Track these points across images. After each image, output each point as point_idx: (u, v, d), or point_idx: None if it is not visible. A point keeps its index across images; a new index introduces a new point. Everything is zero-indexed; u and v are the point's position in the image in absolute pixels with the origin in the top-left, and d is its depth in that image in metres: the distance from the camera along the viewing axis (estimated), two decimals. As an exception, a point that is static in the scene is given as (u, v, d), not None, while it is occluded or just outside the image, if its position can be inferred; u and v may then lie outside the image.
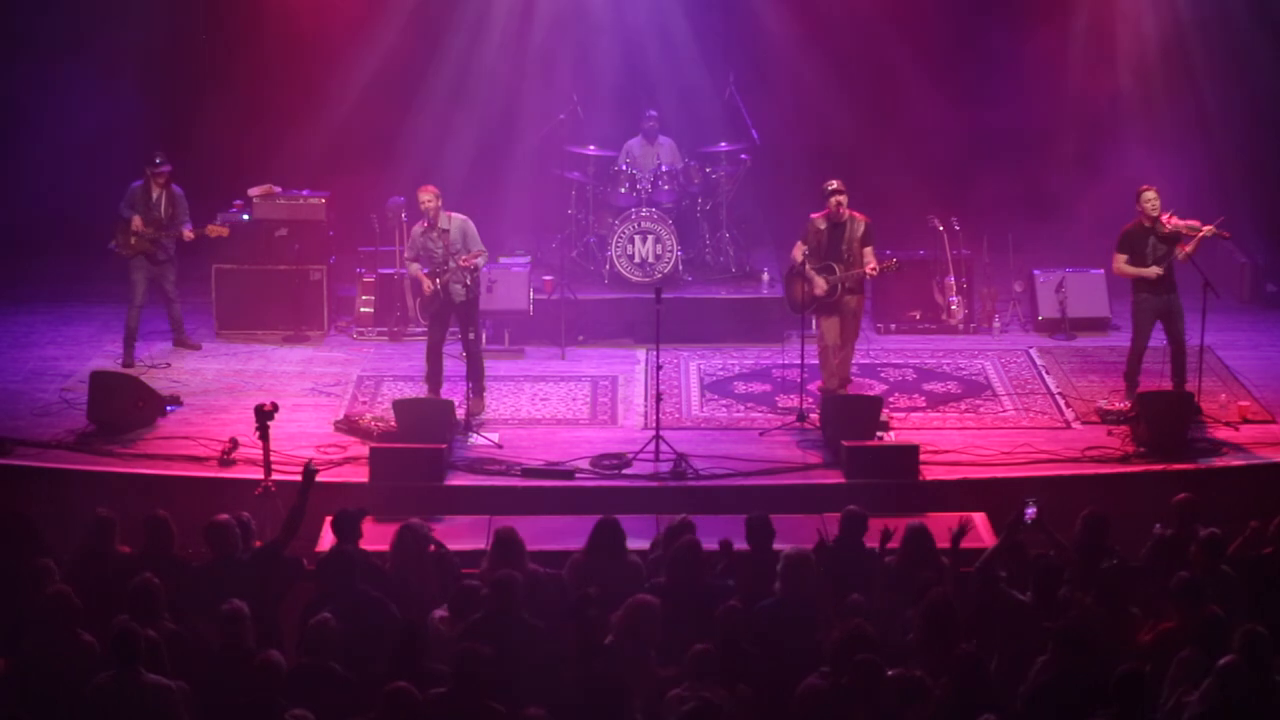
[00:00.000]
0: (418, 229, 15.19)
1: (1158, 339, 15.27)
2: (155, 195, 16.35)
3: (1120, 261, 15.14)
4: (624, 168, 17.91)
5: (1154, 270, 14.91)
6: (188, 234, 16.35)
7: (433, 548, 11.41)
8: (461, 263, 14.93)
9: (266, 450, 13.29)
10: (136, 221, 16.25)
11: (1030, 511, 11.43)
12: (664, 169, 17.87)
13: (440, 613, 10.62)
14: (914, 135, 18.93)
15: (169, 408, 15.32)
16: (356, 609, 10.42)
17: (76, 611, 10.04)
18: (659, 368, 14.91)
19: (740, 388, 16.21)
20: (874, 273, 15.08)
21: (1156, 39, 18.79)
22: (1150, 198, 14.95)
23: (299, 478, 11.56)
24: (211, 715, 9.60)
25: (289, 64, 18.46)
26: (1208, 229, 14.85)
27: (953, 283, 17.54)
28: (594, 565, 11.22)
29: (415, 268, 15.24)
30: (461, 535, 12.69)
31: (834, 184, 15.10)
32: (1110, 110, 18.96)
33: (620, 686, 9.29)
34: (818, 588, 10.66)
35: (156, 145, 16.57)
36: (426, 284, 15.09)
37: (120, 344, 16.72)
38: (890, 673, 9.31)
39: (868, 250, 15.06)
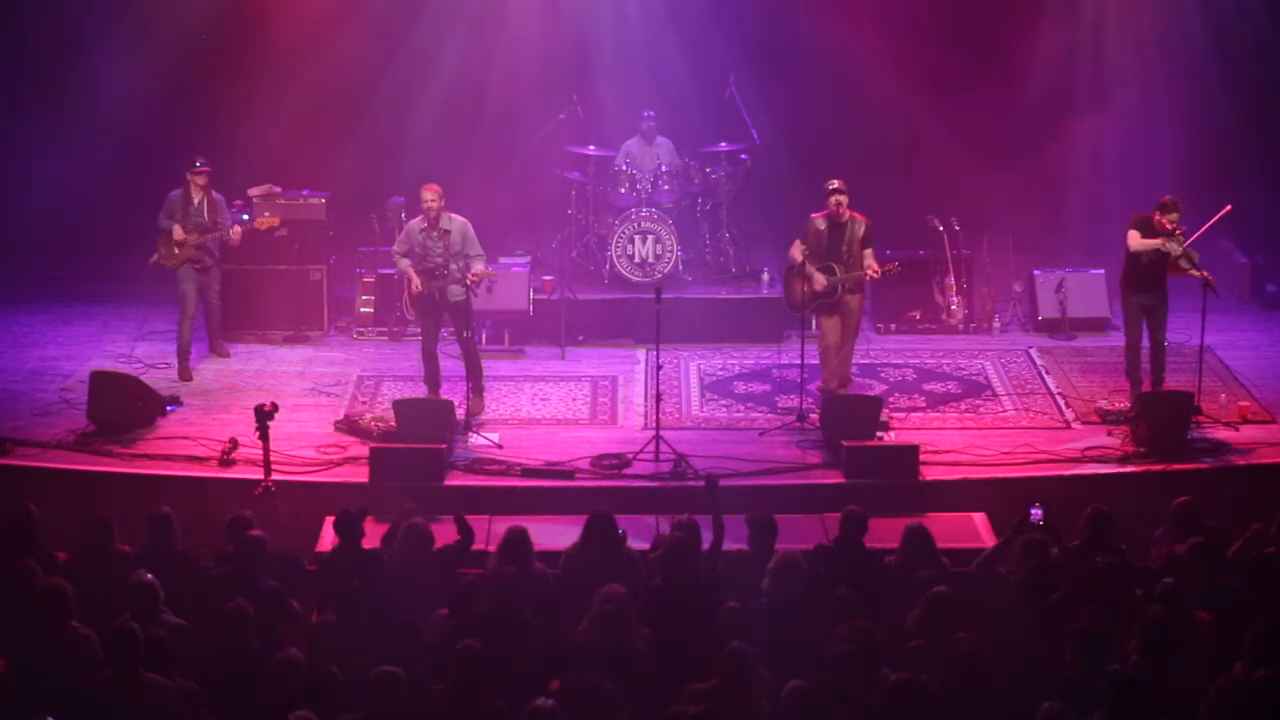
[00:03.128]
0: (415, 224, 15.16)
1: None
2: (197, 201, 16.12)
3: (1134, 236, 15.08)
4: (624, 168, 17.90)
5: (1173, 245, 14.90)
6: (235, 233, 16.22)
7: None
8: (471, 278, 14.90)
9: (266, 450, 13.31)
10: (177, 231, 16.01)
11: (1036, 513, 11.43)
12: (664, 169, 17.87)
13: (443, 611, 10.62)
14: (914, 134, 18.90)
15: (169, 408, 15.32)
16: (360, 609, 10.42)
17: (72, 605, 10.04)
18: (659, 368, 14.91)
19: (740, 388, 16.21)
20: (876, 275, 15.07)
21: (1156, 37, 18.79)
22: (1174, 219, 14.91)
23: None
24: (222, 716, 9.60)
25: (289, 64, 18.42)
26: (1196, 273, 14.87)
27: (953, 283, 17.55)
28: (588, 559, 11.23)
29: (405, 263, 15.21)
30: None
31: (835, 183, 15.09)
32: (1109, 110, 18.94)
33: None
34: (808, 590, 10.63)
35: (197, 149, 16.40)
36: (417, 281, 15.08)
37: (124, 345, 16.92)
38: (892, 677, 9.29)
39: (868, 252, 15.05)
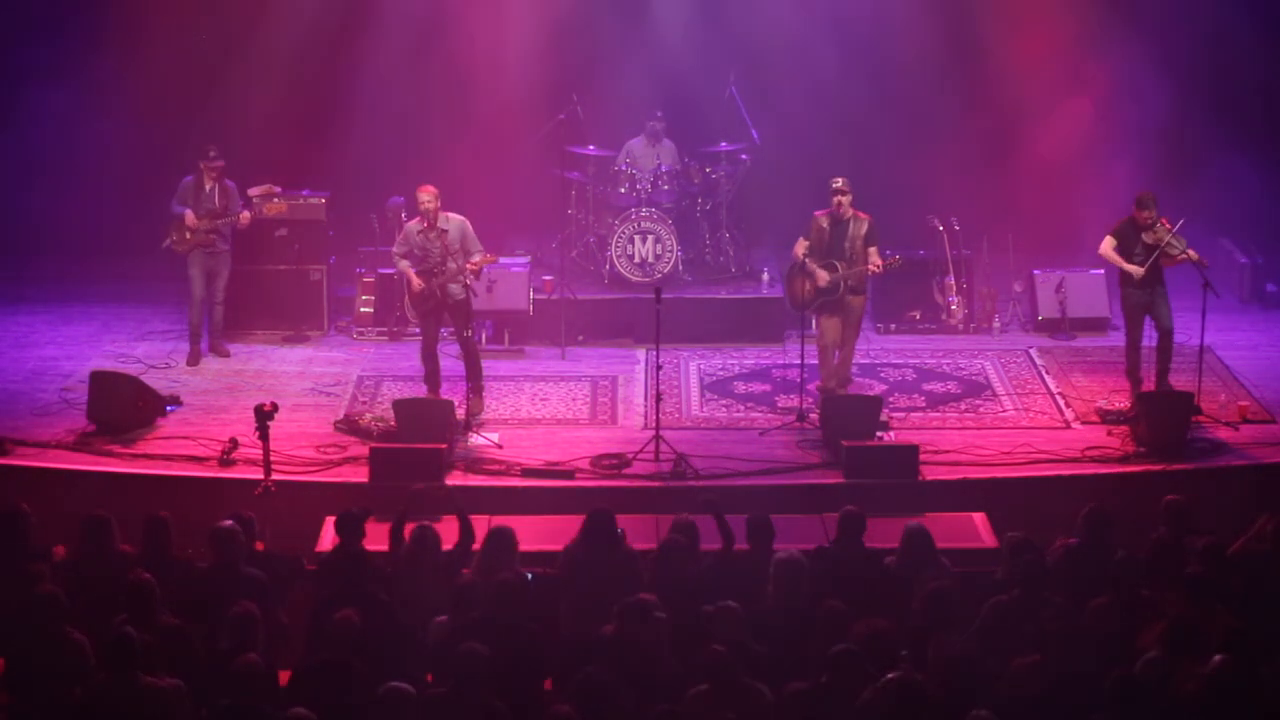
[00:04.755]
0: (413, 225, 15.18)
1: (1152, 337, 15.32)
2: (208, 188, 16.40)
3: (1107, 245, 15.21)
4: (624, 168, 17.90)
5: (1135, 268, 15.02)
6: (244, 218, 16.46)
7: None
8: (469, 266, 14.93)
9: (266, 450, 13.31)
10: (189, 216, 16.29)
11: None
12: (664, 169, 17.87)
13: (442, 618, 10.60)
14: (915, 134, 18.90)
15: (169, 408, 15.32)
16: (365, 611, 10.42)
17: (66, 611, 10.03)
18: (659, 368, 14.92)
19: (740, 388, 16.21)
20: (878, 269, 15.08)
21: (1157, 36, 18.79)
22: (1151, 213, 14.98)
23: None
24: (211, 717, 9.60)
25: (288, 64, 18.44)
26: (1191, 254, 14.90)
27: (953, 283, 17.55)
28: (587, 557, 11.23)
29: (405, 264, 15.23)
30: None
31: (839, 182, 15.11)
32: (1111, 109, 18.93)
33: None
34: (811, 592, 10.62)
35: (210, 141, 16.61)
36: (416, 281, 15.09)
37: (124, 345, 16.94)
38: (888, 675, 9.29)
39: (872, 250, 15.06)
